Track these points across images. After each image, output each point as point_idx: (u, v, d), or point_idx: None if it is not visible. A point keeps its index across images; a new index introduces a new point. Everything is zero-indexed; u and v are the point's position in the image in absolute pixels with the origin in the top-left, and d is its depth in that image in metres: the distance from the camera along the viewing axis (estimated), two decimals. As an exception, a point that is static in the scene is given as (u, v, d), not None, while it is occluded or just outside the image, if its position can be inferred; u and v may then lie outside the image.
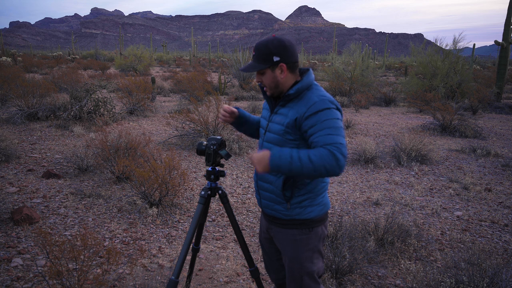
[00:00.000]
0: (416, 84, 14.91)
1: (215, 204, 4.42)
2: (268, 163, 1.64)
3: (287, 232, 1.88)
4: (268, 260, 2.15)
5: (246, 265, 3.06)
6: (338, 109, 1.74)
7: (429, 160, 6.51)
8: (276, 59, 1.75)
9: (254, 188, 1.99)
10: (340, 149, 1.61)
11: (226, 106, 2.05)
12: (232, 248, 3.47)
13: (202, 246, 3.46)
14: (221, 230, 3.83)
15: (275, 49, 1.74)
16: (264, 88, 1.86)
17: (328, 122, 1.68)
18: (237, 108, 2.07)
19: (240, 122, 2.09)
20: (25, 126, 7.75)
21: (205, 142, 2.07)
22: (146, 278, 2.90)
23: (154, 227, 3.78)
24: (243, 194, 4.83)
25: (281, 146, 1.80)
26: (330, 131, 1.66)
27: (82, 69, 23.99)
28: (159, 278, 2.87)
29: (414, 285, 2.70)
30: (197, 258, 3.11)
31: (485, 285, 2.47)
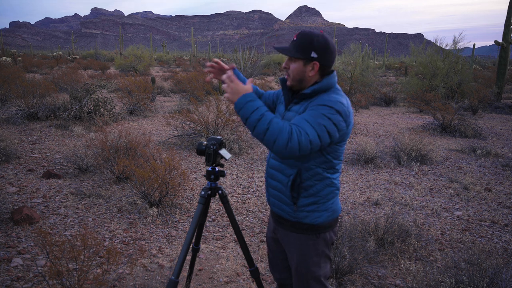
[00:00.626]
0: (416, 84, 14.91)
1: (215, 204, 4.42)
2: (236, 99, 1.63)
3: (293, 236, 1.85)
4: (273, 260, 2.13)
5: (246, 265, 3.06)
6: (340, 114, 1.64)
7: (429, 160, 6.51)
8: (314, 55, 1.69)
9: (259, 183, 1.96)
10: (301, 134, 1.55)
11: (215, 59, 1.97)
12: (232, 248, 3.47)
13: (202, 246, 3.46)
14: (221, 230, 3.83)
15: (317, 45, 1.68)
16: (286, 76, 1.79)
17: (314, 113, 1.62)
18: (234, 69, 1.88)
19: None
20: (25, 126, 7.75)
21: (205, 142, 2.07)
22: (146, 278, 2.90)
23: (154, 227, 3.78)
24: (243, 194, 4.83)
25: None
26: (309, 119, 1.60)
27: (82, 69, 23.99)
28: (159, 278, 2.87)
29: (414, 285, 2.70)
30: (197, 258, 3.11)
31: (485, 285, 2.47)
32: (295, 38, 1.72)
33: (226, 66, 1.93)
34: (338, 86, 1.77)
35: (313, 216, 1.79)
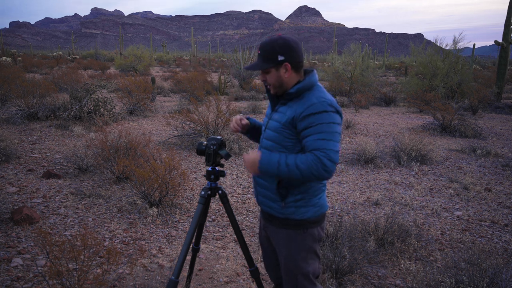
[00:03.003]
0: (416, 84, 14.91)
1: (215, 204, 4.42)
2: (257, 167, 1.73)
3: (282, 232, 1.89)
4: (267, 259, 2.16)
5: (246, 265, 3.06)
6: (337, 112, 1.73)
7: (429, 160, 6.51)
8: (281, 58, 1.75)
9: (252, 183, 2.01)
10: (329, 155, 1.64)
11: (240, 117, 2.05)
12: (232, 248, 3.47)
13: (202, 246, 3.46)
14: (221, 230, 3.83)
15: (280, 49, 1.74)
16: (268, 87, 1.87)
17: (322, 126, 1.68)
18: (248, 117, 2.08)
19: (249, 130, 2.10)
20: (25, 126, 7.75)
21: (205, 142, 2.07)
22: (146, 278, 2.90)
23: (154, 227, 3.78)
24: (243, 194, 4.83)
25: (279, 143, 1.82)
26: (323, 136, 1.67)
27: (82, 69, 23.99)
28: (159, 278, 2.87)
29: (414, 285, 2.70)
30: (197, 258, 3.11)
31: (485, 285, 2.47)
32: (259, 52, 1.80)
33: (245, 122, 2.05)
34: (320, 84, 1.85)
35: (300, 212, 1.83)
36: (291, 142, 1.80)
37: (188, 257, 2.84)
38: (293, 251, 1.87)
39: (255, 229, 3.88)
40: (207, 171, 2.09)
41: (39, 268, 2.92)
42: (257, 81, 18.40)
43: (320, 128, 1.68)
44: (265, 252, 2.16)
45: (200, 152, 2.07)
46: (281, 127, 1.80)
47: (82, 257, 2.25)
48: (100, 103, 8.50)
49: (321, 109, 1.69)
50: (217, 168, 2.10)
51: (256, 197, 2.00)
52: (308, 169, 1.64)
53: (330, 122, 1.69)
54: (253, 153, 1.79)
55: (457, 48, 14.99)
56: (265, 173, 1.74)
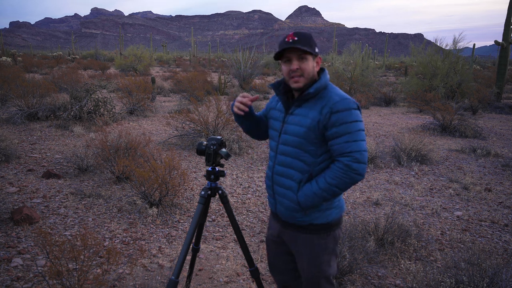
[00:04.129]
0: (416, 84, 14.91)
1: (215, 204, 4.42)
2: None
3: (305, 237, 1.84)
4: (274, 262, 2.09)
5: (246, 265, 3.06)
6: (358, 108, 1.73)
7: (429, 160, 6.51)
8: (317, 50, 1.74)
9: (266, 190, 1.97)
10: (357, 158, 1.64)
11: (246, 94, 1.88)
12: (232, 248, 3.47)
13: (202, 246, 3.46)
14: (221, 230, 3.83)
15: (314, 43, 1.74)
16: (296, 78, 1.72)
17: (347, 126, 1.66)
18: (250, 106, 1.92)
19: (247, 115, 1.92)
20: (25, 126, 7.74)
21: (205, 142, 2.07)
22: (146, 278, 2.90)
23: (154, 227, 3.78)
24: (243, 194, 4.83)
25: (301, 148, 1.75)
26: (349, 137, 1.66)
27: (82, 69, 23.99)
28: (159, 278, 2.87)
29: (414, 285, 2.70)
30: (197, 258, 3.11)
31: (485, 285, 2.47)
32: (296, 38, 1.68)
33: (250, 101, 1.86)
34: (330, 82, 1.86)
35: (325, 215, 1.81)
36: (314, 147, 1.74)
37: (188, 257, 2.84)
38: (316, 255, 1.84)
39: (255, 229, 3.88)
40: (207, 171, 2.09)
41: (39, 268, 2.92)
42: (257, 81, 18.40)
43: (346, 129, 1.66)
44: (272, 256, 2.08)
45: (200, 152, 2.07)
46: (306, 131, 1.72)
47: (82, 257, 2.25)
48: (100, 103, 8.50)
49: (346, 106, 1.68)
50: (217, 168, 2.09)
51: (272, 205, 1.93)
52: (341, 181, 1.65)
53: (354, 121, 1.67)
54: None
55: (457, 48, 14.99)
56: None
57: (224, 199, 2.13)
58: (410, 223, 3.96)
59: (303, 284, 1.95)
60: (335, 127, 1.67)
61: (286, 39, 1.70)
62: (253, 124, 1.99)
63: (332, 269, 1.88)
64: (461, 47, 14.97)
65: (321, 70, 1.81)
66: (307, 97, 1.74)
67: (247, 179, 5.43)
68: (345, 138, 1.66)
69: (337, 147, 1.68)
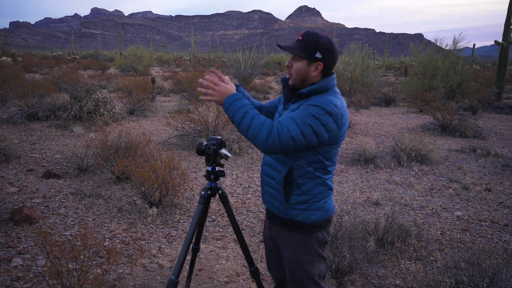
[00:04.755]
0: (416, 84, 14.91)
1: (215, 204, 4.42)
2: (223, 99, 1.72)
3: (286, 234, 1.87)
4: (270, 258, 2.15)
5: (246, 265, 3.06)
6: (331, 115, 1.64)
7: (429, 160, 6.51)
8: (318, 55, 1.71)
9: (259, 183, 1.99)
10: (282, 129, 1.61)
11: (218, 72, 1.82)
12: (232, 248, 3.47)
13: (202, 246, 3.46)
14: (221, 230, 3.83)
15: (322, 46, 1.70)
16: (288, 76, 1.81)
17: (303, 112, 1.65)
18: (238, 86, 1.90)
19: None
20: (25, 126, 7.74)
21: (205, 142, 2.07)
22: (146, 278, 2.90)
23: (154, 227, 3.78)
24: (243, 194, 4.83)
25: None
26: (295, 117, 1.64)
27: (82, 69, 23.98)
28: (159, 278, 2.87)
29: (414, 285, 2.70)
30: (197, 258, 3.11)
31: (485, 285, 2.47)
32: (300, 38, 1.74)
33: (222, 76, 1.84)
34: (337, 89, 1.79)
35: (305, 215, 1.80)
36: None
37: (188, 257, 2.84)
38: (298, 254, 1.85)
39: (255, 229, 3.88)
40: (207, 171, 2.09)
41: (39, 268, 2.92)
42: (257, 81, 18.41)
43: (300, 112, 1.65)
44: (269, 252, 2.14)
45: (200, 152, 2.07)
46: None
47: (82, 257, 2.25)
48: (100, 103, 8.50)
49: (317, 104, 1.65)
50: (217, 168, 2.09)
51: (262, 196, 2.00)
52: (256, 127, 1.63)
53: (312, 115, 1.62)
54: (228, 86, 1.75)
55: (457, 48, 15.00)
56: (225, 108, 1.71)
57: (224, 199, 2.13)
58: (410, 223, 3.96)
59: (287, 281, 1.96)
60: (295, 110, 1.70)
61: (298, 37, 1.77)
62: None
63: (316, 270, 1.87)
64: (461, 47, 14.98)
65: (328, 75, 1.77)
66: (299, 96, 1.77)
67: (247, 179, 5.43)
68: (292, 116, 1.65)
69: (282, 116, 1.71)
